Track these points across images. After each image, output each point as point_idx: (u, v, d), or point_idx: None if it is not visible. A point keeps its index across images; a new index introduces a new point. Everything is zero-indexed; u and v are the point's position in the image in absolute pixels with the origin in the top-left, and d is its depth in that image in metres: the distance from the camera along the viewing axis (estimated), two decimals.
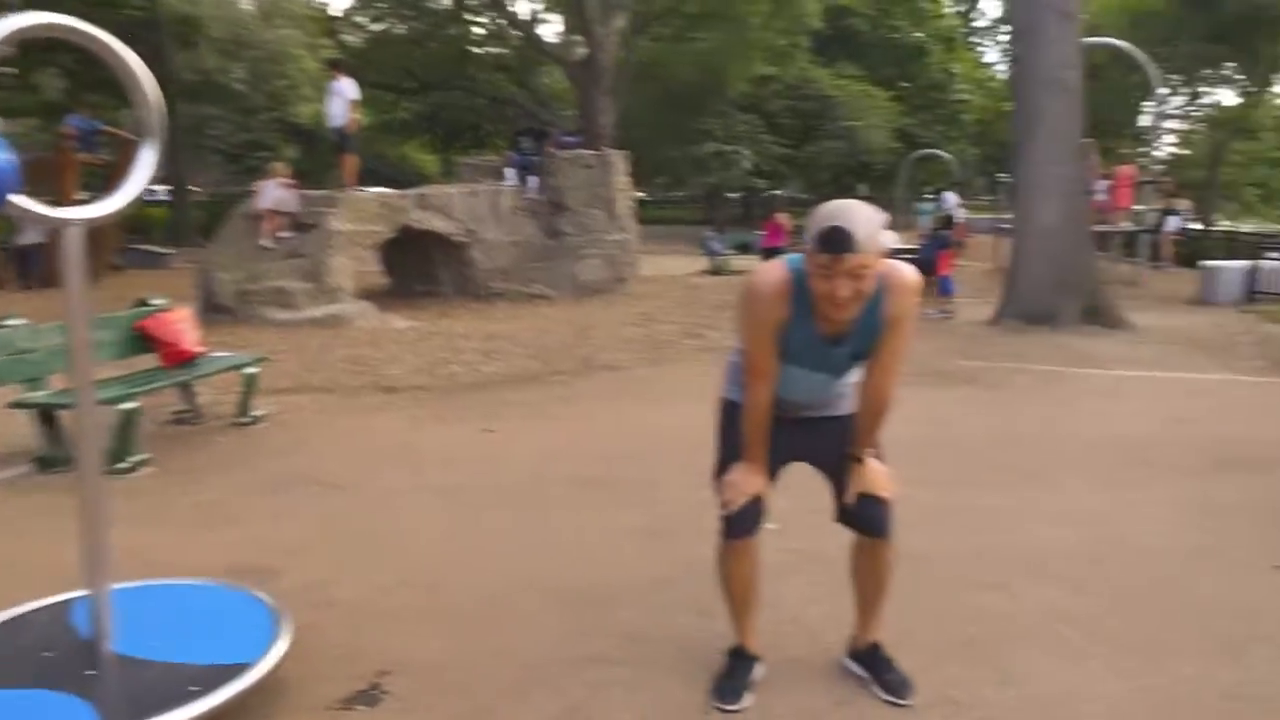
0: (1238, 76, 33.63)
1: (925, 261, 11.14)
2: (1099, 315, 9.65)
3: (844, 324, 2.20)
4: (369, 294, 11.87)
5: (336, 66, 11.17)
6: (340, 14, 29.40)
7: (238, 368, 5.97)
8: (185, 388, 6.00)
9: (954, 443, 5.37)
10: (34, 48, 21.69)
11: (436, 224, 11.72)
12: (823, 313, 2.17)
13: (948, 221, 12.09)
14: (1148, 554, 3.62)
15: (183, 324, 5.91)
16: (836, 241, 2.02)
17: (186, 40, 23.38)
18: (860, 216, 2.05)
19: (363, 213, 10.92)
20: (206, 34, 39.10)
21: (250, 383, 5.96)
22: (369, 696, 2.56)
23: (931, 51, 33.77)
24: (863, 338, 2.24)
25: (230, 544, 3.79)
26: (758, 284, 2.23)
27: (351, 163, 11.11)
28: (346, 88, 10.83)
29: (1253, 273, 11.63)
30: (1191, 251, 17.46)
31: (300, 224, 10.81)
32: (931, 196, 24.66)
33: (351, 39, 28.45)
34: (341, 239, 10.57)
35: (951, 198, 20.05)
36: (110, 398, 4.74)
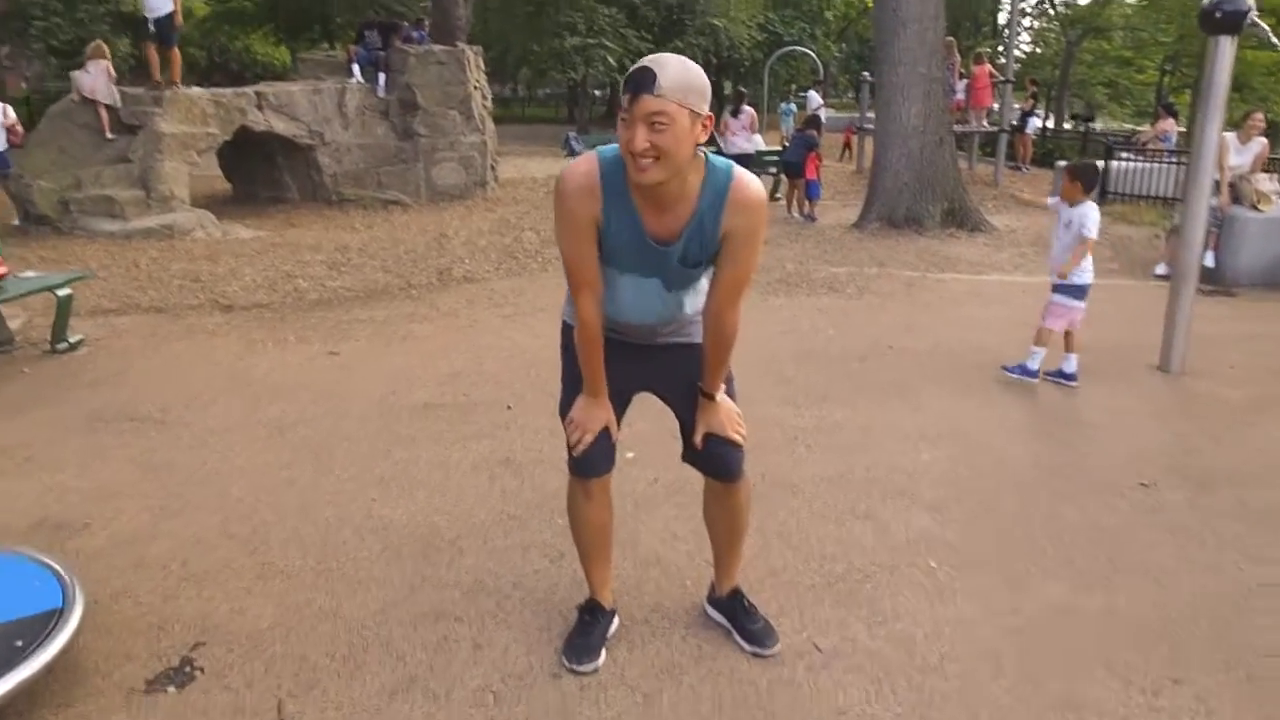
0: None
1: (793, 164, 11.07)
2: (960, 217, 9.83)
3: (664, 207, 1.97)
4: (209, 202, 10.92)
5: None
6: None
7: (49, 289, 5.32)
8: None
9: (816, 355, 5.34)
10: None
11: (278, 125, 10.80)
12: (633, 180, 1.91)
13: (813, 121, 11.96)
14: (1012, 475, 3.65)
15: None
16: (635, 80, 1.81)
17: None
18: (673, 64, 1.83)
19: (193, 113, 9.92)
20: None
21: (64, 305, 5.33)
22: (179, 675, 2.29)
23: None
24: (695, 242, 2.01)
25: (33, 494, 3.38)
26: (564, 178, 1.98)
27: (175, 58, 9.90)
28: None
29: (1104, 173, 12.07)
30: (1046, 151, 18.11)
31: (125, 124, 9.74)
32: (799, 96, 24.58)
33: None
34: (171, 142, 9.60)
35: (815, 97, 20.02)
36: None
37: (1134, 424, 4.28)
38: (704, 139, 1.89)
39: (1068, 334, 4.84)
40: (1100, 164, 12.15)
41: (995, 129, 14.72)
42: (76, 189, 9.19)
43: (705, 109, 1.86)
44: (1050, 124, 29.26)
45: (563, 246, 2.04)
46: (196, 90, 10.24)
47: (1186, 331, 5.15)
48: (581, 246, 2.01)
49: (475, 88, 12.46)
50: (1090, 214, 4.63)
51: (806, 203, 10.96)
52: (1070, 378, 4.82)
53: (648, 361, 2.23)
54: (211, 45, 38.17)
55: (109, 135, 9.63)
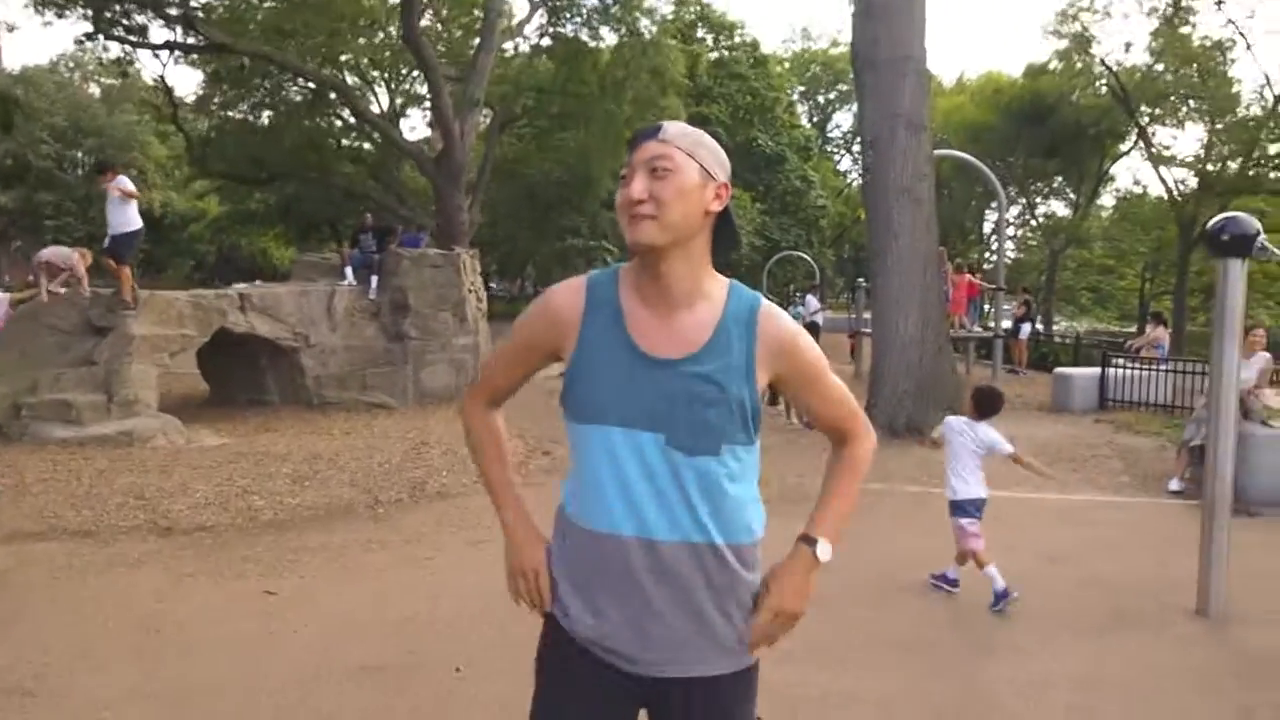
0: (1067, 189, 36.32)
1: None
2: None
3: (671, 302, 1.57)
4: (184, 403, 10.53)
5: (109, 167, 9.65)
6: (187, 99, 28.00)
7: None
8: None
9: (819, 593, 4.62)
10: None
11: (261, 327, 10.56)
12: (629, 245, 1.54)
13: (811, 328, 11.83)
14: None
15: None
16: (639, 132, 1.59)
17: (4, 121, 21.38)
18: (683, 124, 1.60)
19: (169, 315, 9.67)
20: (41, 118, 36.80)
21: None
22: None
23: (789, 159, 35.07)
24: (720, 362, 1.55)
25: None
26: (545, 293, 1.70)
27: (124, 275, 9.45)
28: (124, 186, 9.47)
29: (1103, 380, 11.80)
30: (1041, 355, 18.05)
31: (94, 326, 9.48)
32: (798, 298, 24.96)
33: (196, 125, 27.01)
34: (142, 344, 9.28)
35: (813, 301, 20.20)
36: None
37: (1181, 693, 3.57)
38: (715, 209, 1.57)
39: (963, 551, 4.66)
40: (1100, 371, 11.92)
41: (990, 334, 14.63)
42: (32, 393, 8.76)
43: (721, 175, 1.57)
44: (1041, 328, 29.70)
45: (497, 351, 1.80)
46: (174, 293, 10.06)
47: (1224, 570, 4.53)
48: (514, 366, 1.75)
49: (470, 290, 12.40)
50: (994, 433, 4.72)
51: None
52: (953, 583, 4.81)
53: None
54: (222, 243, 39.57)
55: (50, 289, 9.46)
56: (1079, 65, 28.89)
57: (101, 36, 19.88)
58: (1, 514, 6.21)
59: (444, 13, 25.82)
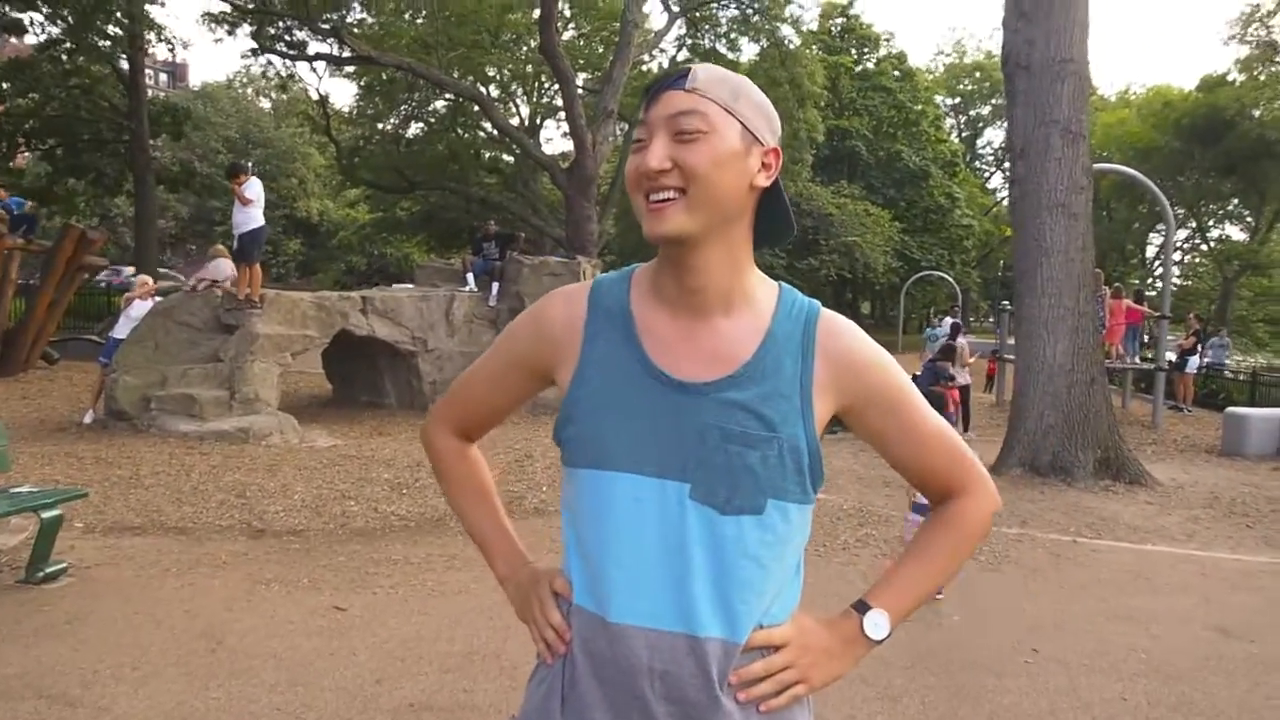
0: (1244, 212, 33.32)
1: (928, 395, 10.02)
2: (1116, 468, 8.39)
3: (701, 312, 1.18)
4: (309, 402, 10.73)
5: (240, 171, 9.75)
6: (343, 110, 29.34)
7: (32, 509, 4.72)
8: None
9: (936, 657, 4.05)
10: (17, 130, 21.38)
11: (381, 330, 10.65)
12: (649, 235, 1.14)
13: (948, 351, 10.96)
14: None
15: None
16: (658, 81, 1.16)
17: (175, 131, 22.90)
18: (718, 68, 1.17)
19: (294, 315, 9.86)
20: (217, 130, 39.58)
21: (49, 528, 4.70)
22: None
23: (933, 175, 33.60)
24: (765, 388, 1.15)
25: None
26: (540, 301, 1.32)
27: (255, 274, 9.64)
28: (252, 190, 9.59)
29: None
30: (1210, 392, 16.31)
31: (223, 324, 9.76)
32: (938, 321, 23.73)
33: (347, 136, 28.21)
34: (266, 343, 9.48)
35: (948, 322, 19.04)
36: None
37: None
38: (763, 184, 1.16)
39: None
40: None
41: (1152, 366, 13.28)
42: (160, 386, 9.06)
43: (770, 138, 1.16)
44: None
45: (474, 366, 1.37)
46: (299, 293, 10.26)
47: None
48: (493, 391, 1.35)
49: None
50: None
51: None
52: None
53: None
54: (371, 251, 41.39)
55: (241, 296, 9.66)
56: (1264, 76, 26.35)
57: (263, 52, 21.05)
58: (110, 505, 6.32)
59: (585, 28, 26.05)
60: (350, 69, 23.51)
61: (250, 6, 18.73)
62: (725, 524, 1.11)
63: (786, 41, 21.49)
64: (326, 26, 18.25)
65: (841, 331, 1.19)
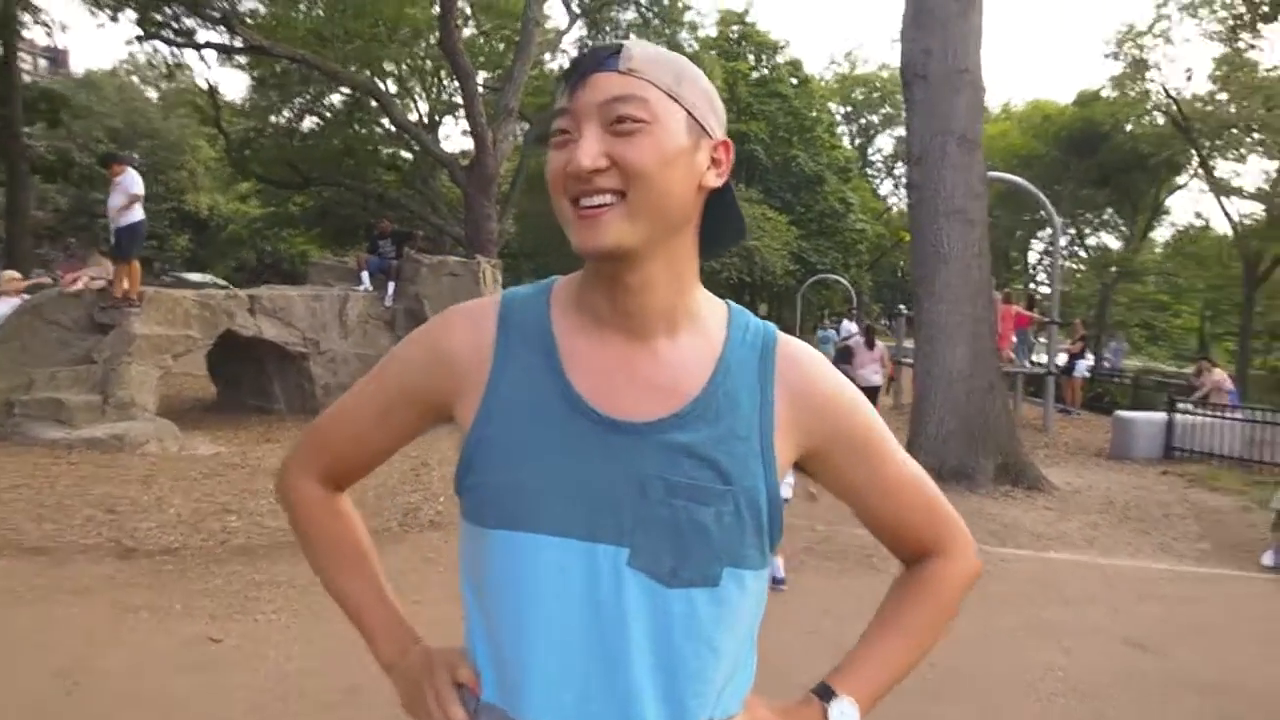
0: (1119, 221, 35.24)
1: None
2: (1015, 473, 8.61)
3: (642, 333, 0.99)
4: (191, 406, 10.08)
5: (116, 160, 9.28)
6: (235, 102, 28.01)
7: None
8: None
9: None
10: None
11: (269, 331, 10.10)
12: (579, 249, 0.95)
13: (844, 354, 11.12)
14: None
15: None
16: (587, 58, 0.96)
17: (51, 118, 21.46)
18: (653, 46, 0.98)
19: (175, 314, 9.25)
20: (100, 120, 37.38)
21: None
22: None
23: (828, 180, 34.37)
24: (719, 428, 0.97)
25: None
26: (434, 319, 1.11)
27: (133, 270, 9.05)
28: (130, 182, 9.03)
29: (1169, 426, 10.91)
30: (1095, 395, 17.08)
31: (97, 324, 9.07)
32: (833, 323, 24.24)
33: (239, 128, 26.95)
34: (144, 344, 8.86)
35: (850, 326, 19.47)
36: None
37: None
38: (714, 184, 0.99)
39: None
40: (1166, 416, 11.06)
41: (1043, 370, 13.80)
42: (26, 390, 8.35)
43: (718, 129, 0.99)
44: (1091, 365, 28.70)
45: (347, 398, 1.12)
46: (181, 291, 9.65)
47: None
48: (373, 428, 1.09)
49: None
50: None
51: None
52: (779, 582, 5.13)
53: None
54: (263, 248, 39.71)
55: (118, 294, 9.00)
56: (1134, 93, 27.89)
57: (149, 38, 19.85)
58: None
59: (486, 25, 25.58)
60: (243, 60, 22.44)
61: None
62: (672, 599, 0.93)
63: (686, 45, 21.56)
64: (216, 14, 17.32)
65: (803, 360, 1.03)
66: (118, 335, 8.82)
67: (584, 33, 22.99)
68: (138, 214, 9.02)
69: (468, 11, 23.70)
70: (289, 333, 10.29)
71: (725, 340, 1.01)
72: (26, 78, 25.26)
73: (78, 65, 55.86)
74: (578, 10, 21.75)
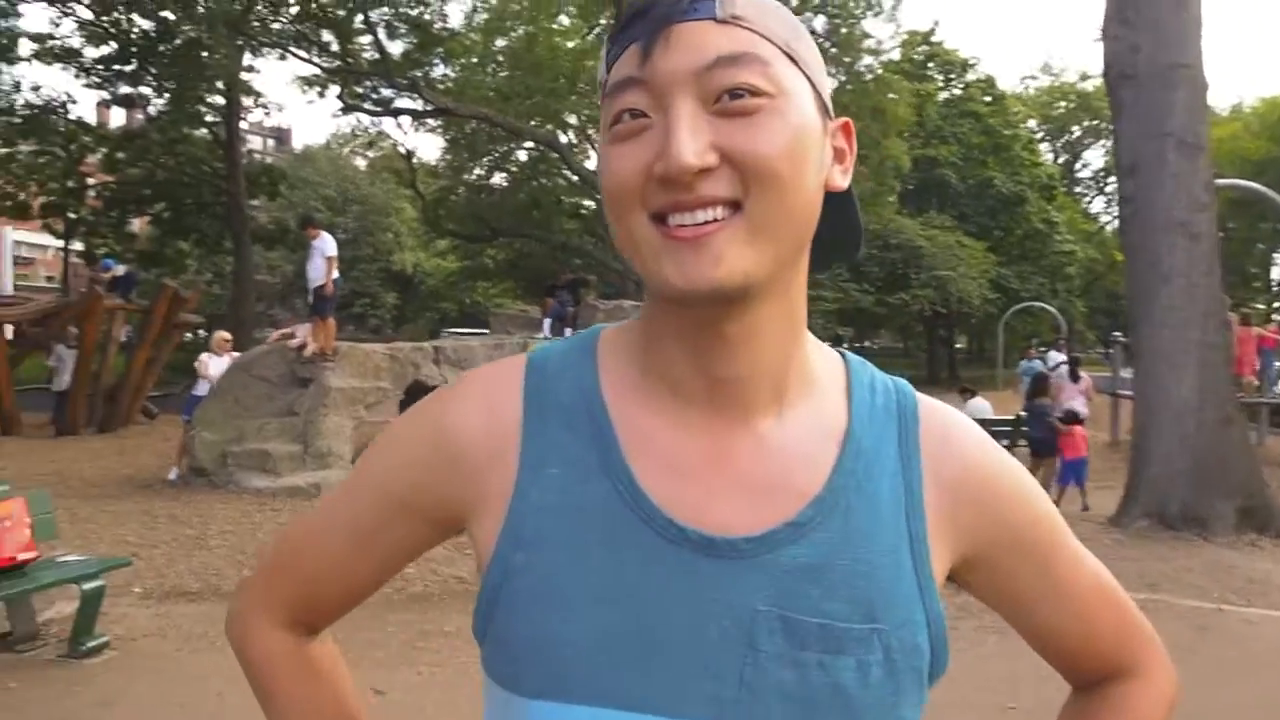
0: None
1: (1041, 440, 9.25)
2: (1262, 519, 7.43)
3: (738, 401, 0.71)
4: None
5: (312, 224, 10.03)
6: (431, 164, 30.08)
7: (74, 580, 4.52)
8: (12, 604, 4.59)
9: None
10: (130, 197, 22.49)
11: (453, 380, 10.45)
12: (665, 367, 0.72)
13: (1039, 381, 10.17)
14: None
15: (8, 521, 4.55)
16: (652, 7, 0.65)
17: (271, 191, 23.79)
18: None
19: (366, 367, 9.77)
20: (316, 190, 41.31)
21: (90, 601, 4.49)
22: None
23: (1029, 200, 32.24)
24: (846, 524, 0.68)
25: None
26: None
27: (328, 327, 9.67)
28: (325, 245, 9.69)
29: None
30: None
31: (298, 378, 9.73)
32: (1039, 353, 22.47)
33: (431, 189, 28.83)
34: (339, 396, 9.38)
35: (1058, 356, 17.91)
36: None
37: None
38: (840, 185, 0.72)
39: None
40: None
41: None
42: (237, 441, 9.03)
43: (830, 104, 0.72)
44: None
45: (309, 519, 0.83)
46: (371, 345, 10.19)
47: None
48: (358, 550, 0.78)
49: None
50: None
51: (1056, 488, 8.91)
52: None
53: None
54: (461, 299, 42.17)
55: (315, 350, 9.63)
56: None
57: (349, 111, 21.73)
58: (173, 568, 6.16)
59: None
60: (435, 123, 24.06)
61: (335, 66, 19.32)
62: None
63: (868, 71, 20.95)
64: (406, 82, 18.67)
65: (956, 432, 0.75)
66: (316, 389, 9.41)
67: None
68: (335, 273, 9.64)
69: None
70: None
71: (849, 408, 0.73)
72: (257, 156, 28.24)
73: (299, 141, 62.20)
74: None
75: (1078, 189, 46.44)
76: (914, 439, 0.73)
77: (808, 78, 0.67)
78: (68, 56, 20.16)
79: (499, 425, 0.73)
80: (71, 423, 12.99)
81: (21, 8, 19.26)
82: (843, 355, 0.79)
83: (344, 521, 0.79)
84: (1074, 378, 10.98)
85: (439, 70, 21.30)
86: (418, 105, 19.62)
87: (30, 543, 4.55)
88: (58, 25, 19.91)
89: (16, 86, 20.35)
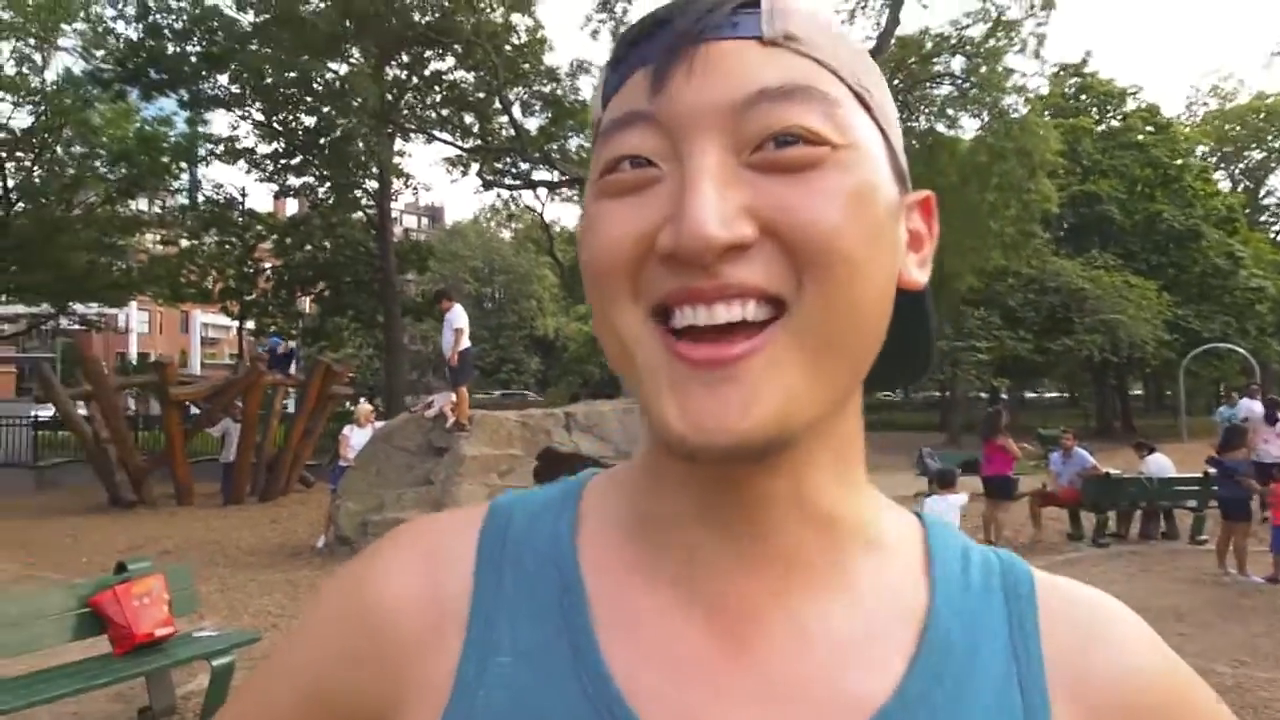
0: None
1: (1231, 501, 7.96)
2: None
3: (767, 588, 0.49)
4: None
5: (445, 298, 10.33)
6: (571, 230, 30.99)
7: (205, 657, 4.57)
8: (151, 679, 4.67)
9: None
10: (296, 278, 24.22)
11: (584, 445, 10.38)
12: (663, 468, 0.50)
13: (1232, 435, 8.85)
14: None
15: (148, 598, 4.66)
16: (677, 12, 0.45)
17: (420, 266, 25.11)
18: None
19: (499, 435, 9.83)
20: (465, 262, 43.41)
21: (220, 677, 4.52)
22: None
23: (1205, 234, 29.70)
24: None
25: None
26: (354, 574, 0.55)
27: (461, 396, 9.84)
28: (455, 317, 9.93)
29: None
30: None
31: (435, 448, 9.91)
32: (1231, 400, 20.32)
33: (569, 255, 29.63)
34: (473, 464, 9.46)
35: (1251, 404, 16.12)
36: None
37: None
38: (920, 284, 0.51)
39: None
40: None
41: None
42: (377, 511, 9.22)
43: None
44: None
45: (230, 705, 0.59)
46: (505, 413, 10.28)
47: None
48: None
49: None
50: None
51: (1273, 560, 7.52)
52: None
53: None
54: (602, 362, 42.93)
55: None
56: None
57: (489, 187, 22.79)
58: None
59: None
60: (572, 192, 24.86)
61: (474, 146, 20.29)
62: None
63: (1012, 110, 20.00)
64: (539, 155, 19.37)
65: (1097, 621, 0.52)
66: (451, 457, 9.53)
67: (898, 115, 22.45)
68: (464, 344, 9.85)
69: None
70: (603, 446, 10.50)
71: (929, 584, 0.52)
72: (412, 233, 30.00)
73: (450, 217, 65.90)
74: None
75: (1263, 218, 42.66)
76: (1031, 627, 0.51)
77: (882, 130, 0.48)
78: (242, 154, 22.11)
79: (441, 594, 0.52)
80: (237, 492, 13.75)
81: (206, 115, 21.32)
82: (919, 516, 0.57)
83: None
84: (1270, 420, 9.74)
85: (574, 141, 21.96)
86: (552, 177, 20.27)
87: (168, 618, 4.64)
88: (235, 129, 21.89)
89: (198, 185, 22.46)
